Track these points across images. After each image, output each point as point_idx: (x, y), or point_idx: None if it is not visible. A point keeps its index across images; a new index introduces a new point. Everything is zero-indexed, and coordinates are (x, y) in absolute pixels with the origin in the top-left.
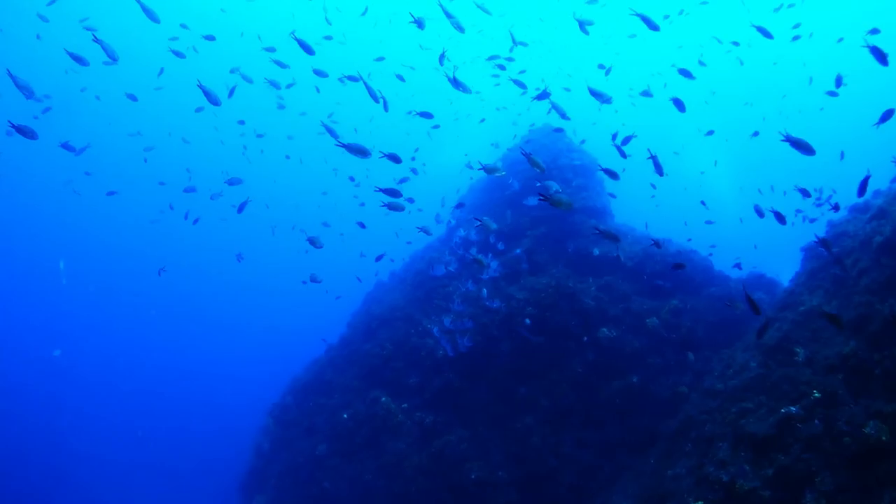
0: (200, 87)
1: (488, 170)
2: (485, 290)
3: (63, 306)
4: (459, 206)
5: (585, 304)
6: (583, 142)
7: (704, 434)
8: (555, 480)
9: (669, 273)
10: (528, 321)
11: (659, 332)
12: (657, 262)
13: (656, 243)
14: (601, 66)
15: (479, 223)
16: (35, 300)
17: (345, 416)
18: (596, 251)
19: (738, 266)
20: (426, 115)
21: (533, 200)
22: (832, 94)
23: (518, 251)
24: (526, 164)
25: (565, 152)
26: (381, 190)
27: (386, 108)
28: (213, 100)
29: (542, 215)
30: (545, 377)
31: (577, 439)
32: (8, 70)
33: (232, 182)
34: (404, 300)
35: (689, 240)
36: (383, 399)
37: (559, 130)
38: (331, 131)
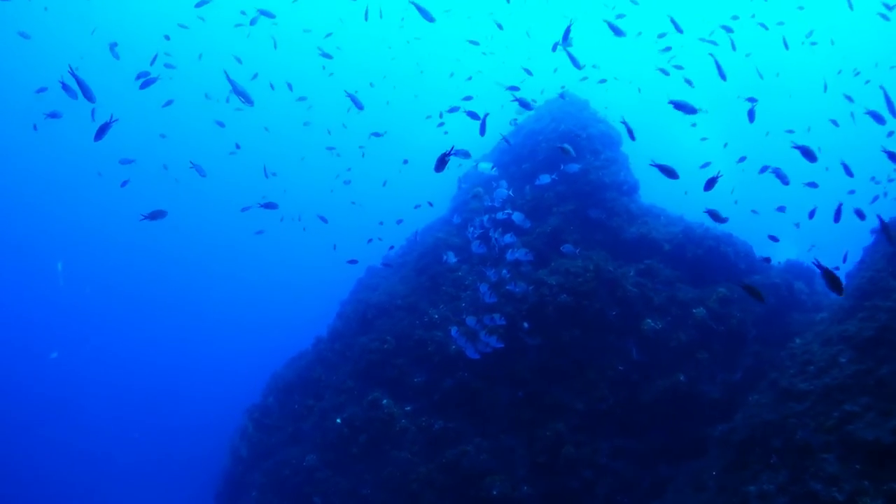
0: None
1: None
2: (506, 271)
3: (61, 307)
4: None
5: (628, 292)
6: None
7: (795, 443)
8: (590, 495)
9: (712, 258)
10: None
11: (707, 324)
12: (699, 245)
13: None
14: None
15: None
16: (33, 300)
17: (338, 420)
18: (633, 230)
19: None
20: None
21: (546, 178)
22: None
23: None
24: (546, 134)
25: (592, 122)
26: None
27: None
28: (359, 104)
29: (568, 191)
30: (581, 376)
31: (615, 448)
32: (225, 71)
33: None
34: (406, 287)
35: (776, 242)
36: (384, 401)
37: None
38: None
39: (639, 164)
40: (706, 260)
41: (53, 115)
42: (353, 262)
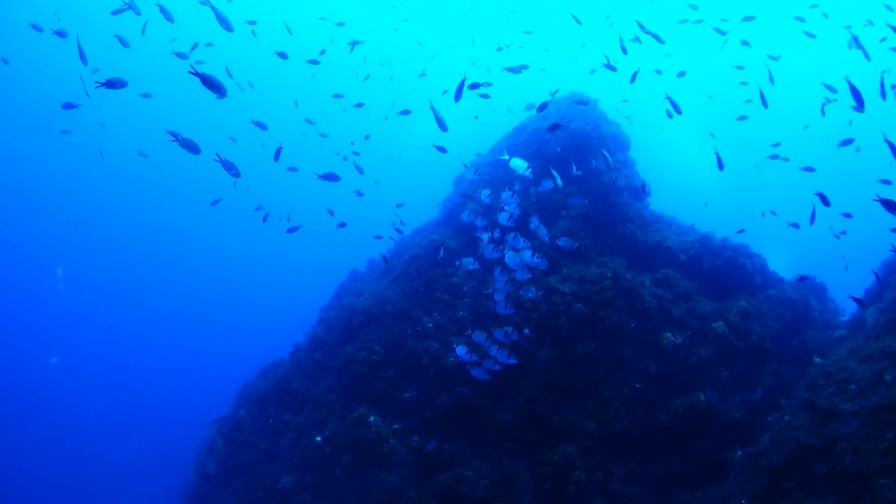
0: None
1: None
2: (517, 276)
3: (62, 312)
4: None
5: (647, 303)
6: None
7: (845, 468)
8: None
9: (730, 270)
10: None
11: (728, 339)
12: (717, 255)
13: None
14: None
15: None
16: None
17: (318, 438)
18: (647, 237)
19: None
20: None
21: (549, 184)
22: None
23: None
24: (555, 132)
25: (603, 122)
26: None
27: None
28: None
29: (578, 193)
30: (594, 394)
31: (629, 472)
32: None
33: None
34: (397, 293)
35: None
36: (372, 418)
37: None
38: None
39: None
40: (724, 271)
41: (60, 34)
42: (386, 260)
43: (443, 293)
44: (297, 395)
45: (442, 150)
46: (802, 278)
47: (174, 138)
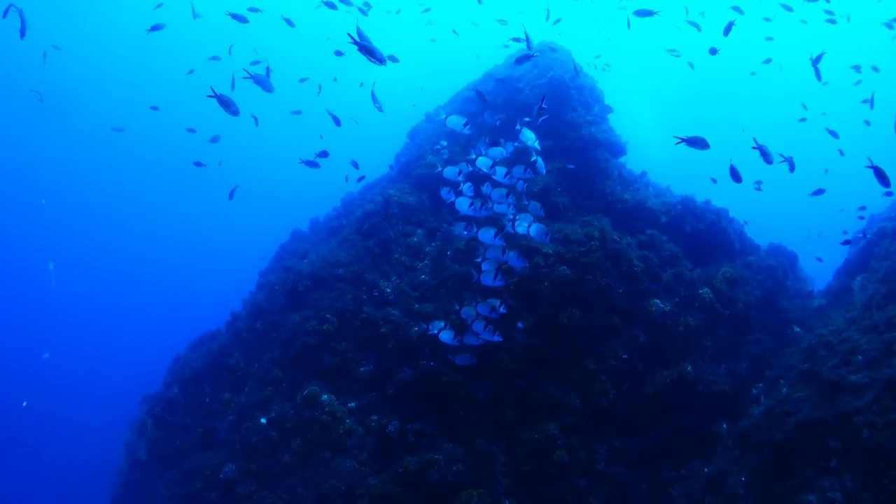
0: None
1: None
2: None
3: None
4: None
5: (634, 267)
6: None
7: (864, 443)
8: None
9: (712, 234)
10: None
11: (714, 307)
12: (700, 218)
13: None
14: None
15: None
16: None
17: (263, 420)
18: (627, 197)
19: None
20: None
21: (511, 145)
22: None
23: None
24: (529, 80)
25: (581, 73)
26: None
27: None
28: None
29: (555, 147)
30: (578, 367)
31: (614, 450)
32: None
33: None
34: (349, 254)
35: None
36: (324, 397)
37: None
38: None
39: None
40: (706, 235)
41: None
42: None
43: (401, 254)
44: (237, 370)
45: (482, 97)
46: (773, 246)
47: (212, 94)
